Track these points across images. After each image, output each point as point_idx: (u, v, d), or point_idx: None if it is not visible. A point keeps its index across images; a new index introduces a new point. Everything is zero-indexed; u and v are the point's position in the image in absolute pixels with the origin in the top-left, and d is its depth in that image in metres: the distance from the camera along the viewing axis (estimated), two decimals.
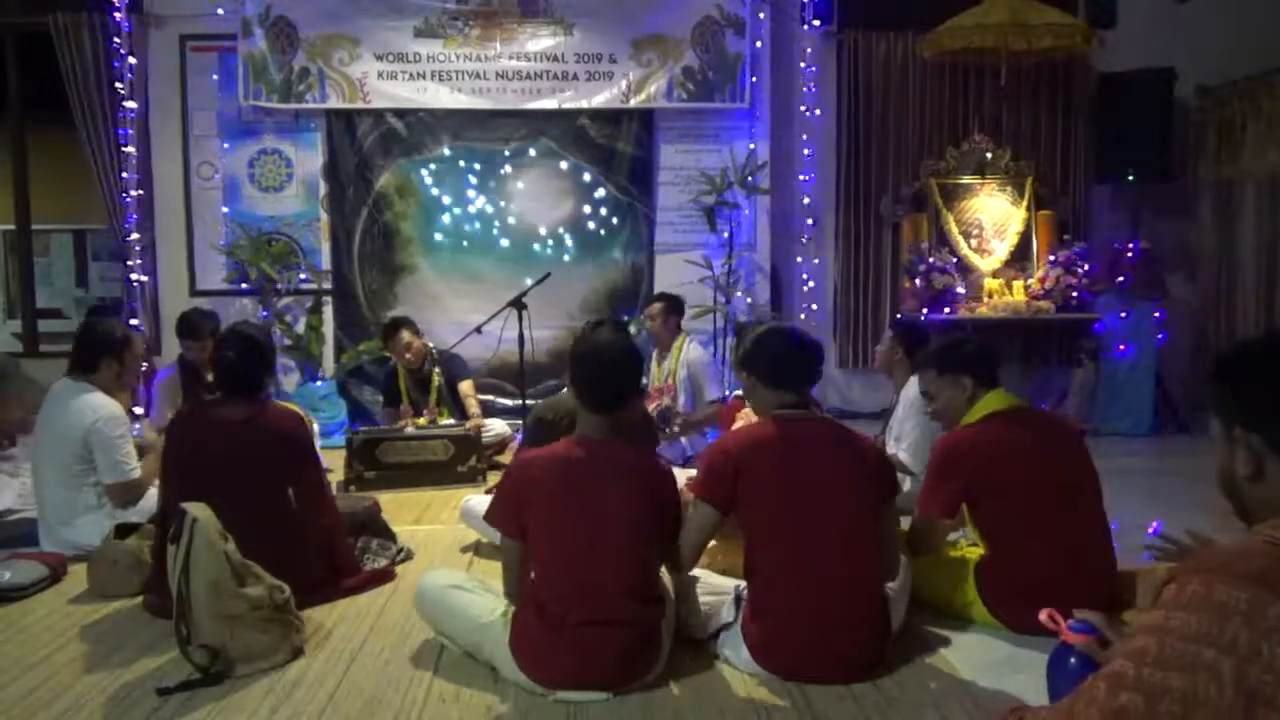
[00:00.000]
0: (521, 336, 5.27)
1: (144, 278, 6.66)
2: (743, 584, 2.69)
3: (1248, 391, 1.33)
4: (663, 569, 2.70)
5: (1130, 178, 6.81)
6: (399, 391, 5.60)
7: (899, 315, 6.94)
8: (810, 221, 6.99)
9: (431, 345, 5.66)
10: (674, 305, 5.60)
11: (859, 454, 2.66)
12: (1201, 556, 1.21)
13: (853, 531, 2.56)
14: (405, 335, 5.42)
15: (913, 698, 2.47)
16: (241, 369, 3.18)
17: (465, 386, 5.57)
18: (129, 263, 6.62)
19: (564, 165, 6.83)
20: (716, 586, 2.80)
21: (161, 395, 5.09)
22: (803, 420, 2.67)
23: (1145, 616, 1.21)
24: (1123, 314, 6.64)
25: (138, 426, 4.09)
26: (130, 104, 6.53)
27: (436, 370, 5.56)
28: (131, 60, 6.53)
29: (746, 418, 3.21)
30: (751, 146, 6.78)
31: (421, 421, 5.39)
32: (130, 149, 6.55)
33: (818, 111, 6.96)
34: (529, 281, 5.88)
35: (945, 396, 3.09)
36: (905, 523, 3.07)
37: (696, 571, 2.91)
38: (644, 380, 5.08)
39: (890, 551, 2.71)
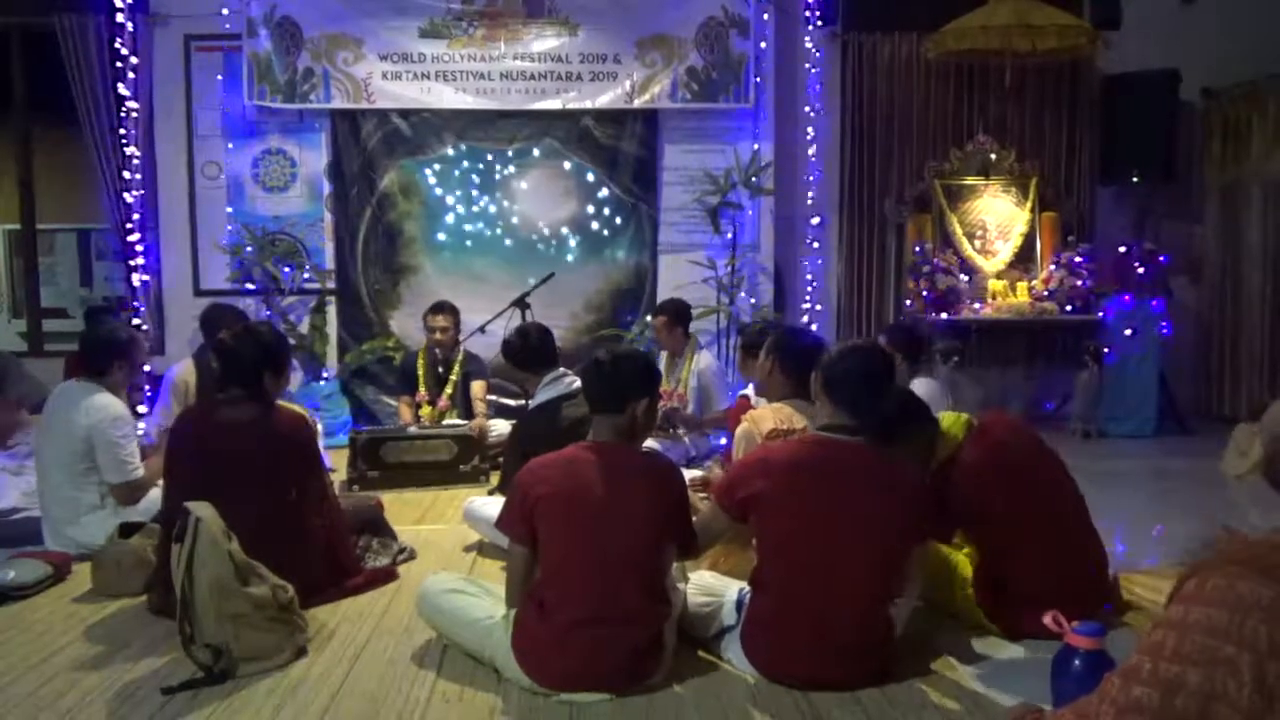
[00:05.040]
0: None
1: (147, 278, 6.67)
2: (745, 587, 2.69)
3: None
4: (671, 570, 2.70)
5: (1135, 179, 6.80)
6: (416, 378, 5.65)
7: (897, 319, 6.95)
8: (814, 222, 6.98)
9: (463, 341, 5.76)
10: (677, 316, 5.52)
11: (904, 495, 2.56)
12: (1226, 551, 1.20)
13: (873, 565, 2.52)
14: (441, 319, 5.62)
15: (916, 701, 2.46)
16: (234, 353, 3.18)
17: (477, 388, 5.61)
18: (132, 263, 6.63)
19: (568, 165, 6.83)
20: (715, 588, 2.80)
21: (170, 393, 5.09)
22: (851, 446, 2.57)
23: (1165, 611, 1.19)
24: (1127, 316, 6.63)
25: (143, 427, 4.09)
26: (134, 104, 6.53)
27: (458, 365, 5.66)
28: (136, 60, 6.53)
29: (752, 419, 3.20)
30: (755, 147, 6.76)
31: (429, 411, 5.48)
32: (134, 149, 6.55)
33: (822, 112, 6.95)
34: (532, 282, 5.90)
35: (924, 450, 2.92)
36: None
37: (695, 574, 2.91)
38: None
39: (907, 583, 2.66)
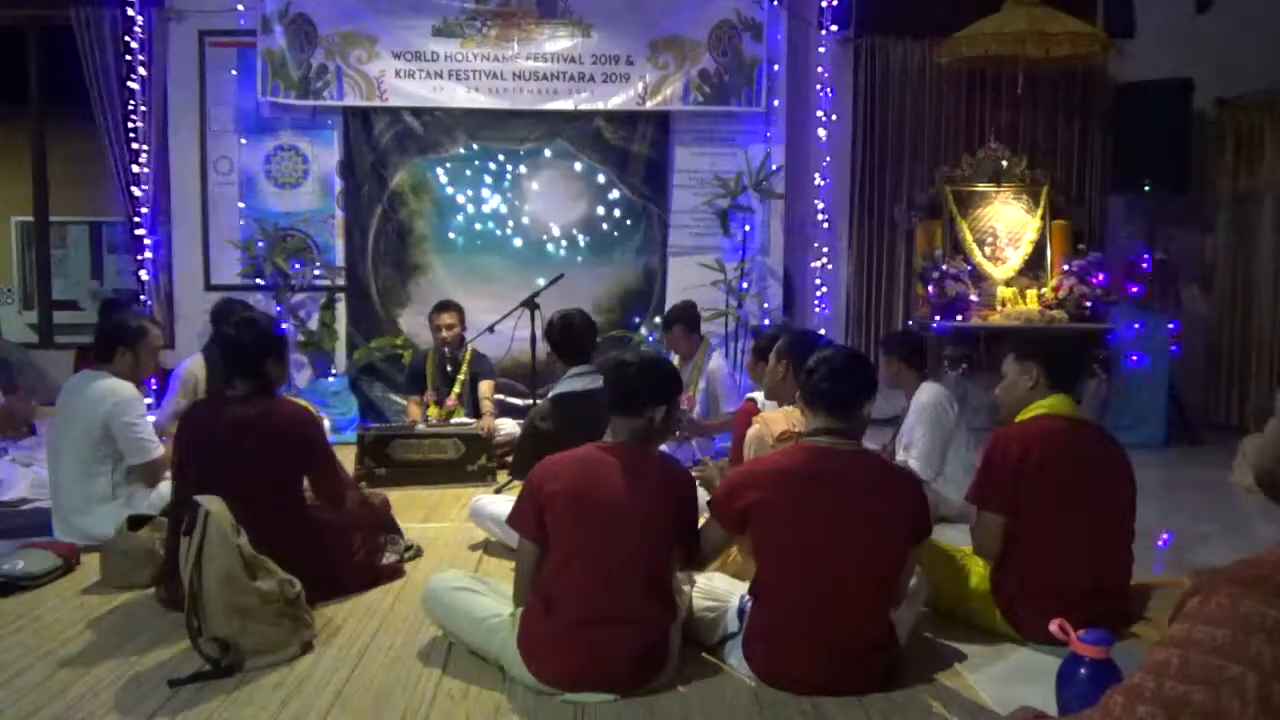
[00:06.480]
0: (534, 336, 5.28)
1: (156, 271, 6.70)
2: (747, 594, 2.69)
3: None
4: (677, 574, 2.71)
5: (1146, 188, 6.78)
6: (425, 377, 5.69)
7: (904, 325, 6.96)
8: (824, 226, 6.98)
9: (471, 340, 5.77)
10: (690, 323, 5.59)
11: (896, 497, 2.56)
12: (1231, 568, 1.19)
13: (871, 569, 2.51)
14: (447, 317, 5.64)
15: (921, 705, 2.46)
16: (238, 342, 3.18)
17: (484, 387, 5.63)
18: (140, 256, 6.65)
19: (579, 166, 6.84)
20: (720, 593, 2.80)
21: (179, 387, 5.10)
22: (838, 452, 2.57)
23: (1168, 630, 1.19)
24: (1136, 325, 6.61)
25: (151, 419, 4.12)
26: (148, 98, 6.56)
27: (466, 364, 5.68)
28: (150, 55, 6.57)
29: (764, 422, 3.20)
30: (766, 151, 6.77)
31: (437, 410, 5.50)
32: (147, 143, 6.58)
33: (834, 117, 6.95)
34: (542, 282, 5.90)
35: (1010, 380, 3.12)
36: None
37: (700, 576, 2.92)
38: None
39: (903, 586, 2.66)
